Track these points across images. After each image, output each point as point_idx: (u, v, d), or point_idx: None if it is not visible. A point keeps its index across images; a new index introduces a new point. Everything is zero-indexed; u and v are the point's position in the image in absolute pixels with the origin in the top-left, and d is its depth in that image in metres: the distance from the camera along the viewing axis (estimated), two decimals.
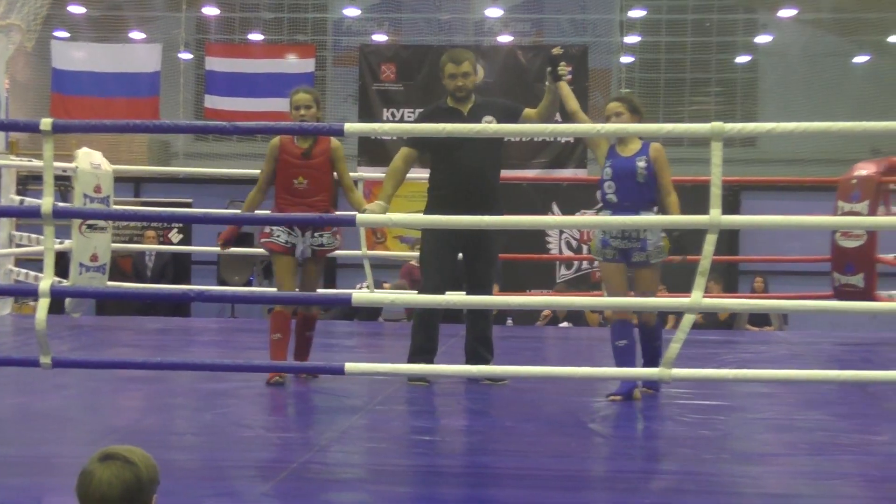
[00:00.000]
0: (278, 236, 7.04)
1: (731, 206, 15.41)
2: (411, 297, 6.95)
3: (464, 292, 7.77)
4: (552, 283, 16.38)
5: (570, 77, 7.10)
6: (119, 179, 10.68)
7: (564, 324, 13.44)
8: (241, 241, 13.93)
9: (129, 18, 22.21)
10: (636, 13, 22.82)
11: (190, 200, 16.33)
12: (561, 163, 17.49)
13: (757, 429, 6.08)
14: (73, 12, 21.51)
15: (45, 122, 5.57)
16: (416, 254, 9.43)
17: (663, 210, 6.66)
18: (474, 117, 7.13)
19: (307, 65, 19.75)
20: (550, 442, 5.63)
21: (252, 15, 23.12)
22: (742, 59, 24.48)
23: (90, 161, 9.74)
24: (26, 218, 11.47)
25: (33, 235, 10.77)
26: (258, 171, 7.41)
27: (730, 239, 16.35)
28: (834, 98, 22.06)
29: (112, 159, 10.32)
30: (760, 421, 6.27)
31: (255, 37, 22.39)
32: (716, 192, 5.36)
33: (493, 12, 22.92)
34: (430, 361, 7.18)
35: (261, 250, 7.48)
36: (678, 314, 9.19)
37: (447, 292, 7.26)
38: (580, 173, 17.28)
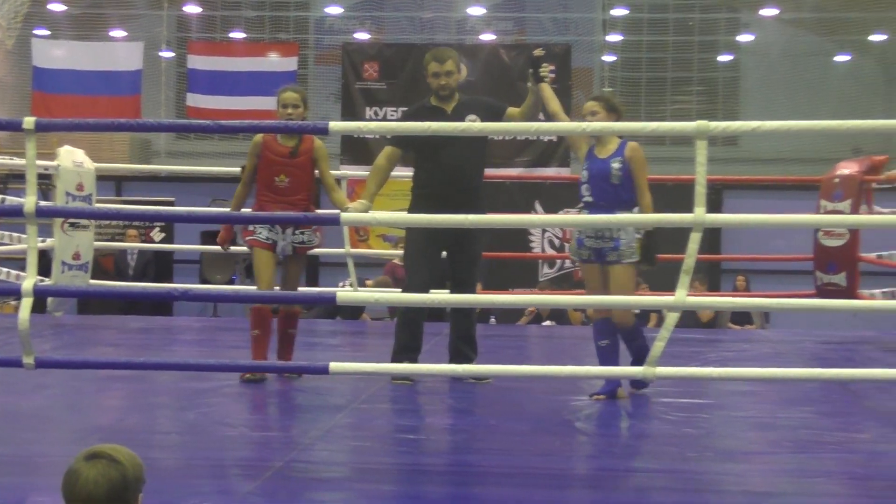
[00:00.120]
0: (259, 233, 7.04)
1: (713, 205, 15.43)
2: (395, 295, 6.95)
3: (448, 291, 7.77)
4: (535, 282, 16.39)
5: (552, 77, 7.11)
6: (100, 178, 10.64)
7: (548, 322, 13.46)
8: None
9: (110, 16, 22.14)
10: (618, 12, 22.84)
11: (172, 199, 16.28)
12: (544, 161, 17.51)
13: (740, 427, 6.10)
14: (54, 10, 21.44)
15: (28, 121, 5.54)
16: (400, 252, 9.43)
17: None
18: (458, 116, 7.13)
19: (290, 63, 19.72)
20: (535, 440, 5.63)
21: (234, 13, 23.07)
22: (724, 58, 24.54)
23: (72, 159, 9.71)
24: (8, 217, 11.41)
25: (14, 234, 10.71)
26: (239, 170, 7.41)
27: (712, 238, 16.37)
28: (815, 97, 22.14)
29: (93, 158, 10.28)
30: (744, 419, 6.29)
31: (237, 35, 22.34)
32: (700, 191, 5.36)
33: (476, 11, 22.92)
34: (414, 360, 7.18)
35: (244, 248, 7.47)
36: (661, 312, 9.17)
37: (431, 291, 7.26)
38: (563, 172, 17.29)
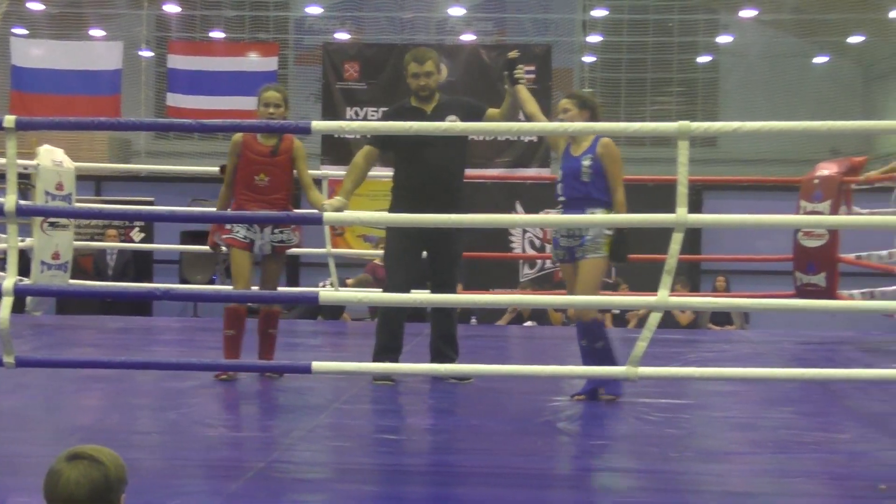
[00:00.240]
0: (237, 232, 7.03)
1: (694, 206, 15.50)
2: (378, 295, 6.95)
3: (428, 291, 7.77)
4: (515, 283, 16.41)
5: (529, 77, 7.12)
6: (80, 177, 10.62)
7: (529, 323, 13.47)
8: (203, 240, 13.91)
9: (89, 15, 22.08)
10: (598, 13, 22.88)
11: (151, 199, 16.25)
12: (524, 162, 17.53)
13: (721, 427, 6.11)
14: (32, 9, 21.36)
15: (9, 120, 5.52)
16: (381, 252, 9.42)
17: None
18: (438, 116, 7.13)
19: (270, 63, 19.70)
20: (516, 440, 5.64)
21: (213, 13, 23.02)
22: (703, 59, 24.61)
23: (52, 158, 9.68)
24: None
25: None
26: (218, 170, 7.40)
27: (692, 238, 16.42)
28: (794, 98, 22.22)
29: (72, 157, 10.25)
30: (725, 419, 6.30)
31: (217, 35, 22.30)
32: (682, 191, 5.36)
33: (456, 11, 22.93)
34: (395, 360, 7.18)
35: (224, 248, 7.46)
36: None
37: (412, 291, 7.26)
38: (543, 172, 17.32)
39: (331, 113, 17.71)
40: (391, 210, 7.29)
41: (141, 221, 16.36)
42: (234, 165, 7.08)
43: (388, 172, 7.56)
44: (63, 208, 9.44)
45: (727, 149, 21.96)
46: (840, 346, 9.52)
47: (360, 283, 12.22)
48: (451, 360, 7.24)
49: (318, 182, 9.53)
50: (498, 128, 7.96)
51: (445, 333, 7.39)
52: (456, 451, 5.47)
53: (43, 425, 5.84)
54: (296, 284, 16.55)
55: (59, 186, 9.62)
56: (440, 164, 7.13)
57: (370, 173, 7.48)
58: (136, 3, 21.72)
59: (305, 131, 5.91)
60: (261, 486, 4.55)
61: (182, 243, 15.59)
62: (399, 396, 6.89)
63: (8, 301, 5.46)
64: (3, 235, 8.20)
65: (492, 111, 7.24)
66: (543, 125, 6.91)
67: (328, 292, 9.28)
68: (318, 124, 6.05)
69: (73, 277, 10.50)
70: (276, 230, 7.09)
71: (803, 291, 10.02)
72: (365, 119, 17.45)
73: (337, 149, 17.10)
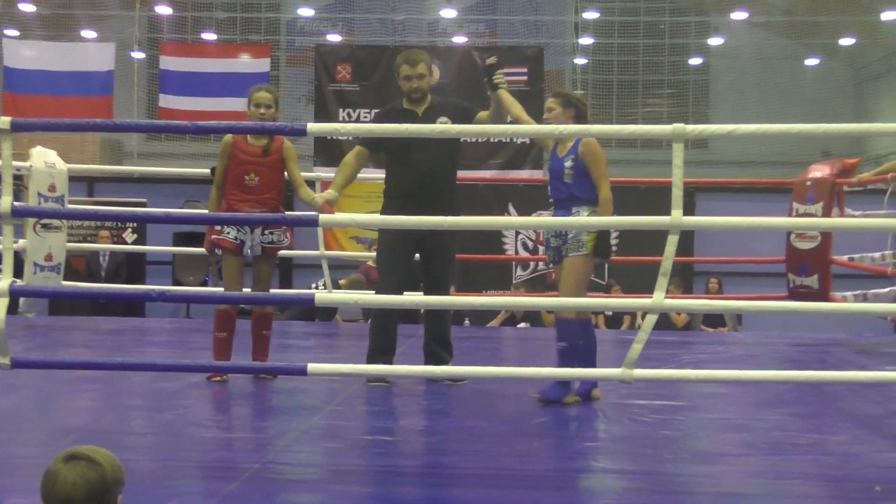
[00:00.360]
0: (228, 233, 7.02)
1: (687, 208, 15.58)
2: (372, 297, 6.95)
3: (422, 293, 7.77)
4: (509, 284, 16.42)
5: (521, 80, 7.13)
6: (72, 179, 10.57)
7: (522, 324, 13.48)
8: (196, 241, 13.90)
9: (81, 17, 22.08)
10: (590, 15, 22.91)
11: (144, 200, 16.22)
12: (517, 164, 17.53)
13: (715, 429, 6.11)
14: (24, 10, 21.34)
15: (4, 121, 5.52)
16: (373, 254, 9.42)
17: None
18: (429, 118, 7.13)
19: (262, 64, 19.70)
20: (510, 442, 5.64)
21: (205, 14, 23.02)
22: (694, 61, 24.64)
23: (44, 160, 9.65)
24: None
25: None
26: (209, 171, 7.38)
27: (685, 240, 16.45)
28: (785, 100, 22.26)
29: (64, 159, 10.20)
30: (718, 421, 6.31)
31: (209, 36, 22.29)
32: (677, 193, 5.38)
33: (448, 13, 22.94)
34: (389, 362, 7.18)
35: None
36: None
37: (405, 293, 7.26)
38: (536, 174, 17.32)
39: (323, 114, 17.71)
40: (383, 212, 7.30)
41: (134, 223, 16.35)
42: (225, 166, 7.08)
43: (381, 174, 7.56)
44: (56, 210, 9.41)
45: (718, 151, 22.00)
46: (833, 347, 9.53)
47: (353, 284, 12.21)
48: (445, 362, 7.24)
49: (311, 184, 9.51)
50: (491, 130, 7.97)
51: (439, 335, 7.39)
52: (450, 452, 5.47)
53: (37, 426, 5.83)
54: (289, 286, 16.55)
55: (52, 188, 9.59)
56: (431, 166, 7.13)
57: (364, 175, 7.48)
58: (127, 4, 21.71)
59: (301, 133, 5.91)
60: (256, 488, 4.55)
61: (175, 244, 15.59)
62: (393, 398, 6.89)
63: (3, 302, 5.45)
64: None
65: (482, 114, 7.24)
66: (538, 127, 6.88)
67: (324, 294, 9.28)
68: (314, 126, 6.06)
69: (65, 279, 10.47)
70: (267, 231, 7.09)
71: (796, 293, 10.03)
72: (357, 120, 17.43)
73: (329, 150, 17.09)
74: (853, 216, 9.95)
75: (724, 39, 24.30)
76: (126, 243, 16.56)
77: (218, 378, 6.95)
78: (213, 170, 7.24)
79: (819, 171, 10.14)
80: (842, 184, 9.88)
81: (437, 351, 7.34)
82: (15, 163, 9.23)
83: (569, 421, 6.11)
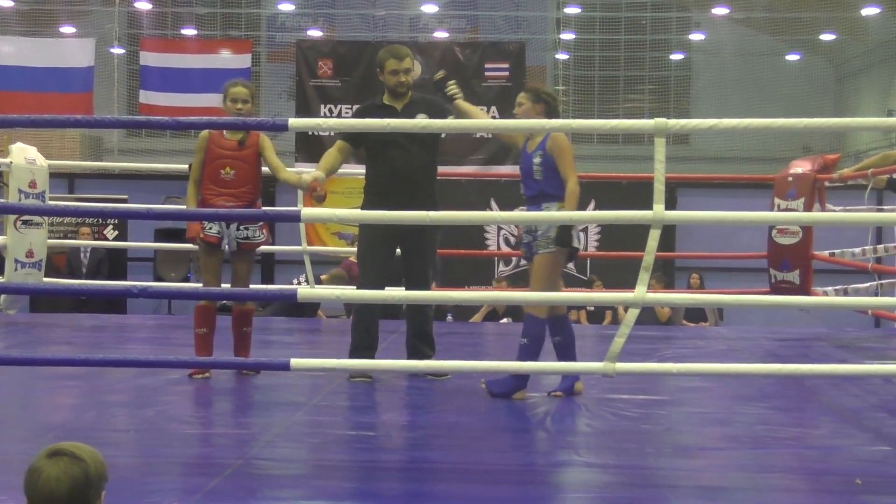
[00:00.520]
0: (210, 228, 7.01)
1: (668, 203, 15.61)
2: (356, 292, 6.94)
3: (403, 288, 7.76)
4: (491, 280, 16.42)
5: (461, 94, 7.14)
6: (52, 175, 10.55)
7: (505, 319, 13.49)
8: (177, 237, 13.88)
9: (60, 12, 22.02)
10: (571, 10, 22.92)
11: (125, 196, 16.18)
12: (498, 159, 17.51)
13: (697, 423, 6.13)
14: (3, 5, 21.27)
15: None
16: (355, 250, 9.42)
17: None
18: (409, 114, 7.11)
19: (243, 60, 19.65)
20: (492, 437, 5.66)
21: (185, 10, 22.99)
22: (676, 56, 24.70)
23: (25, 156, 9.62)
24: None
25: None
26: (187, 167, 7.36)
27: (666, 235, 16.49)
28: (766, 96, 22.34)
29: (45, 155, 10.17)
30: (701, 415, 6.32)
31: (189, 32, 22.24)
32: (659, 188, 5.39)
33: (429, 8, 22.94)
34: (371, 358, 7.17)
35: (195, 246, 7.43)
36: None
37: (386, 288, 7.26)
38: (518, 170, 17.29)
39: (304, 110, 17.67)
40: (363, 208, 7.28)
41: (115, 219, 16.32)
42: (201, 161, 7.06)
43: (362, 170, 7.55)
44: (37, 206, 9.38)
45: (700, 147, 22.08)
46: (814, 342, 9.57)
47: (335, 280, 12.19)
48: (427, 357, 7.24)
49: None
50: (474, 125, 7.97)
51: (421, 331, 7.39)
52: (432, 447, 5.47)
53: (18, 423, 5.81)
54: (270, 282, 16.53)
55: (33, 184, 9.56)
56: (410, 161, 7.13)
57: (345, 170, 7.47)
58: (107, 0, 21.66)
59: (283, 128, 5.90)
60: (238, 483, 4.55)
61: (156, 241, 15.54)
62: (376, 393, 6.89)
63: None
64: None
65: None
66: (520, 122, 6.87)
67: (307, 290, 9.26)
68: (296, 121, 6.06)
69: (46, 275, 10.44)
70: (242, 227, 7.05)
71: (778, 288, 10.06)
72: (339, 116, 17.40)
73: (311, 146, 17.05)
74: (834, 212, 9.98)
75: (706, 35, 24.38)
76: (107, 240, 16.52)
77: (200, 375, 6.94)
78: (191, 166, 7.22)
79: (800, 167, 10.17)
80: (823, 179, 9.92)
81: (419, 346, 7.34)
82: None
83: (551, 416, 6.11)
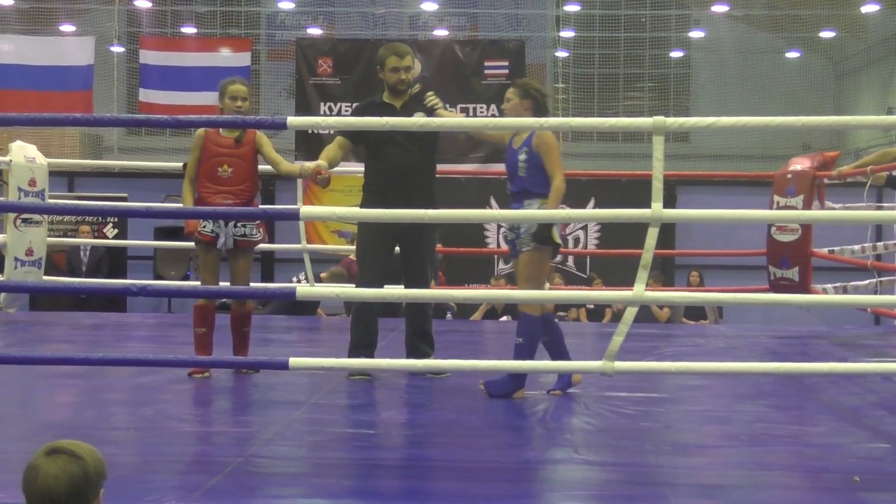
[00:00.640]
0: (205, 226, 7.01)
1: (668, 201, 15.61)
2: (353, 290, 6.94)
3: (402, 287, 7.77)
4: (491, 278, 16.42)
5: (440, 105, 7.14)
6: (52, 174, 10.55)
7: (504, 318, 13.48)
8: (177, 236, 13.88)
9: (60, 11, 22.01)
10: (571, 8, 22.91)
11: (125, 195, 16.19)
12: (498, 157, 17.41)
13: (696, 421, 6.14)
14: (2, 4, 21.26)
15: None
16: (355, 248, 9.42)
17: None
18: (407, 112, 7.11)
19: (243, 58, 19.64)
20: (491, 435, 5.66)
21: (185, 8, 22.97)
22: (675, 54, 24.68)
23: (24, 154, 9.62)
24: None
25: None
26: (181, 165, 7.36)
27: (666, 233, 16.49)
28: (766, 93, 22.33)
29: (44, 153, 10.18)
30: (699, 413, 6.33)
31: (189, 30, 22.23)
32: (657, 186, 5.39)
33: (429, 6, 22.93)
34: (371, 356, 7.17)
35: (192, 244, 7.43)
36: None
37: (386, 286, 7.26)
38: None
39: (304, 108, 17.67)
40: (362, 206, 7.29)
41: (115, 217, 16.32)
42: (197, 159, 7.05)
43: (361, 168, 7.56)
44: (36, 204, 9.39)
45: (699, 144, 22.07)
46: (813, 340, 9.57)
47: (334, 278, 12.19)
48: (427, 355, 7.25)
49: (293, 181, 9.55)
50: (472, 123, 7.98)
51: (420, 329, 7.40)
52: (431, 445, 5.48)
53: (18, 422, 5.81)
54: (270, 280, 16.53)
55: (32, 182, 9.56)
56: (409, 159, 7.13)
57: (345, 168, 7.47)
58: None
59: (281, 127, 5.91)
60: (238, 481, 4.56)
61: (156, 239, 15.55)
62: (375, 391, 6.90)
63: None
64: None
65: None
66: (519, 120, 6.84)
67: (306, 288, 9.26)
68: (295, 120, 6.07)
69: (46, 274, 10.44)
70: (239, 224, 7.04)
71: (777, 286, 10.06)
72: (339, 114, 17.38)
73: (311, 144, 17.04)
74: (833, 209, 9.99)
75: (705, 33, 24.36)
76: (107, 238, 16.52)
77: (200, 374, 6.94)
78: (185, 165, 7.20)
79: (799, 165, 10.17)
80: (822, 177, 9.91)
81: (418, 344, 7.34)
82: None
83: (550, 413, 6.12)
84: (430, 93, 7.16)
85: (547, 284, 6.94)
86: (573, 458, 5.18)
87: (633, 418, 5.98)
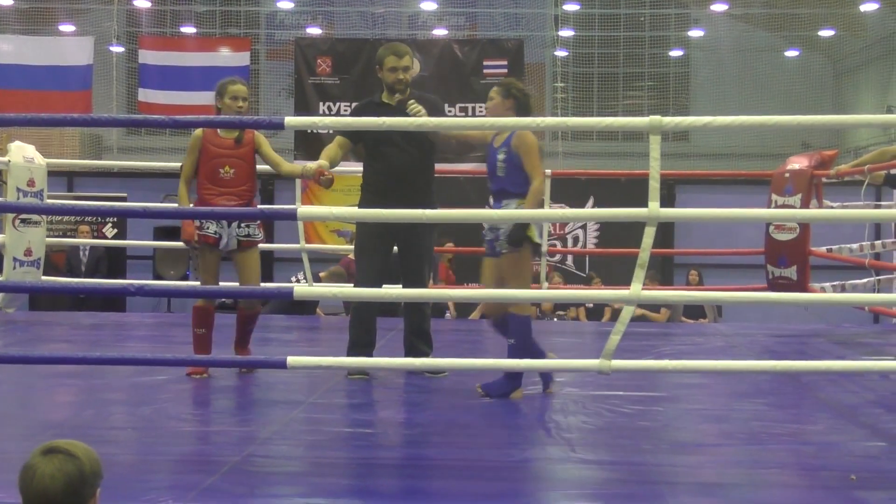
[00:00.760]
0: (208, 227, 6.99)
1: (666, 200, 15.60)
2: (350, 290, 6.95)
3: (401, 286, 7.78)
4: None
5: (423, 111, 7.13)
6: (51, 174, 10.56)
7: None
8: (176, 236, 13.88)
9: (59, 11, 22.00)
10: (570, 7, 22.90)
11: (124, 195, 16.19)
12: None
13: (694, 419, 6.14)
14: (1, 4, 21.26)
15: None
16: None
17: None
18: (405, 112, 7.12)
19: (242, 58, 19.63)
20: (490, 434, 5.67)
21: (184, 8, 22.98)
22: (674, 53, 24.68)
23: (23, 155, 9.63)
24: None
25: None
26: (178, 166, 7.34)
27: (664, 232, 16.49)
28: (765, 92, 22.33)
29: (43, 154, 10.19)
30: (697, 411, 6.34)
31: (188, 30, 22.23)
32: (654, 186, 5.40)
33: (428, 6, 22.93)
34: (369, 355, 7.18)
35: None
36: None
37: (384, 286, 7.27)
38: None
39: (303, 108, 17.67)
40: (360, 205, 7.29)
41: (114, 217, 16.32)
42: (195, 160, 7.03)
43: (359, 168, 7.56)
44: (35, 205, 9.40)
45: (698, 143, 22.07)
46: (811, 338, 9.58)
47: (333, 277, 12.19)
48: (425, 355, 7.25)
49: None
50: (469, 123, 7.98)
51: (418, 328, 7.40)
52: (430, 444, 5.49)
53: (16, 421, 5.82)
54: (269, 279, 16.52)
55: (31, 183, 9.57)
56: (407, 158, 7.14)
57: (343, 168, 7.47)
58: None
59: (279, 127, 5.91)
60: (236, 481, 4.56)
61: (155, 239, 15.56)
62: (373, 391, 6.90)
63: None
64: None
65: None
66: (517, 120, 6.84)
67: (303, 287, 9.27)
68: (292, 120, 6.06)
69: (45, 274, 10.45)
70: (243, 225, 7.04)
71: (775, 284, 10.07)
72: (338, 114, 17.39)
73: (310, 143, 17.05)
74: (831, 208, 9.99)
75: (704, 32, 24.36)
76: (106, 238, 16.53)
77: (198, 374, 6.94)
78: (182, 166, 7.18)
79: (797, 163, 10.18)
80: (820, 175, 9.92)
81: (416, 344, 7.35)
82: None
83: (548, 412, 6.13)
84: (411, 101, 7.12)
85: (546, 284, 6.93)
86: (571, 457, 5.18)
87: (631, 417, 5.99)
